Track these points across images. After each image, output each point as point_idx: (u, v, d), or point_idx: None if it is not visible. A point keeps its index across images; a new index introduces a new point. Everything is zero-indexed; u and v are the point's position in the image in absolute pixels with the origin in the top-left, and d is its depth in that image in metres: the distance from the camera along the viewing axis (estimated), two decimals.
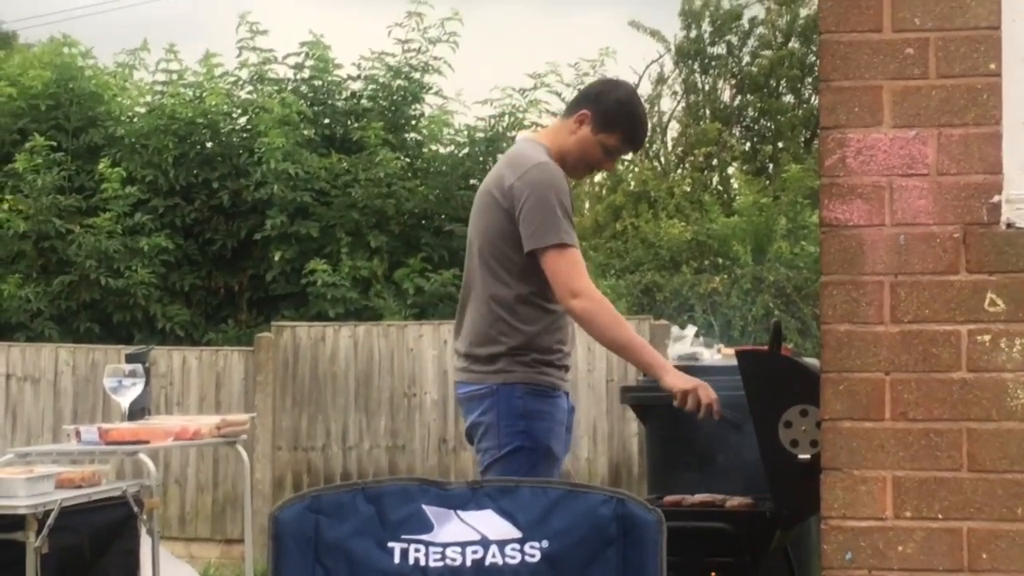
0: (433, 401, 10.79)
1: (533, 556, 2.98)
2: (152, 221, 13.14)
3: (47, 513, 4.38)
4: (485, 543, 2.99)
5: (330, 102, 14.12)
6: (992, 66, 3.14)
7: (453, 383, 4.77)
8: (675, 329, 6.41)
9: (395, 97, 14.00)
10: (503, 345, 4.38)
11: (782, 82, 24.94)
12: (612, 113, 4.53)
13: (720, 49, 25.43)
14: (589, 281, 4.36)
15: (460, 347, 4.55)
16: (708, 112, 25.49)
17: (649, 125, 4.85)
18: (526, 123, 13.90)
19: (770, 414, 4.10)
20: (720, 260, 16.89)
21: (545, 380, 4.42)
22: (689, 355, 5.92)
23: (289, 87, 14.03)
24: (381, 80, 14.09)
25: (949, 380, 3.11)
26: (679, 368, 5.65)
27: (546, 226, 4.31)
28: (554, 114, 14.87)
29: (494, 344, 4.40)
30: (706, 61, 25.47)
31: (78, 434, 5.20)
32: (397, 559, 3.01)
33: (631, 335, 4.44)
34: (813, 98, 23.33)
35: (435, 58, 14.17)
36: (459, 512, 3.04)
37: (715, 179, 24.64)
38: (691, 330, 6.35)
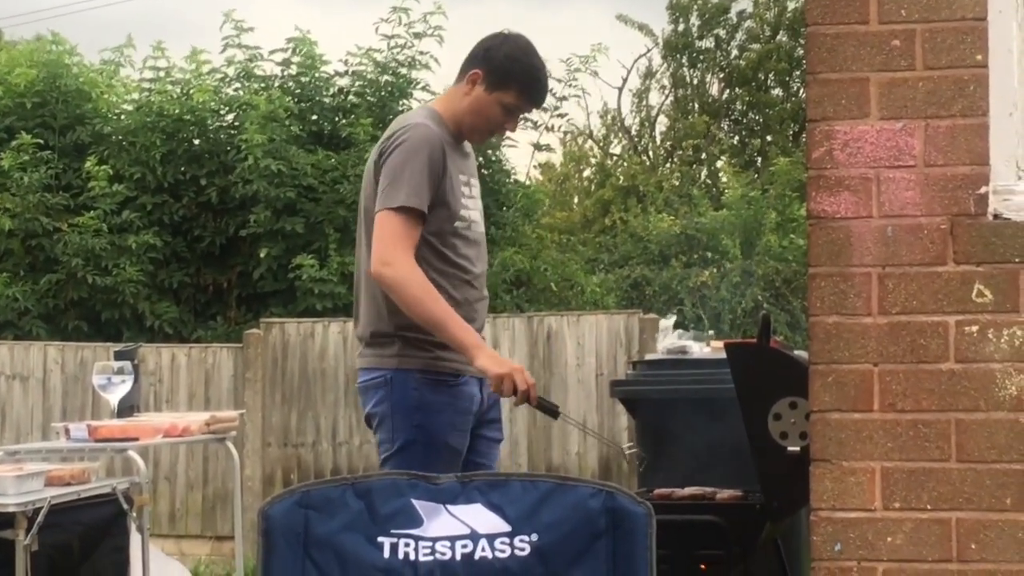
0: None
1: (523, 549, 2.98)
2: (140, 218, 13.12)
3: (36, 511, 4.37)
4: (475, 537, 2.99)
5: (317, 98, 14.11)
6: (979, 57, 3.15)
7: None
8: (663, 322, 6.39)
9: (382, 93, 13.99)
10: (392, 324, 4.19)
11: (770, 75, 24.99)
12: (504, 68, 4.29)
13: (708, 43, 25.47)
14: (408, 253, 4.11)
15: (358, 332, 4.36)
16: (696, 106, 25.53)
17: (547, 77, 4.50)
18: None
19: (759, 407, 4.10)
20: (709, 254, 16.91)
21: (444, 366, 4.20)
22: (678, 348, 5.91)
23: (276, 83, 14.02)
24: (368, 76, 14.08)
25: (937, 371, 3.11)
26: (665, 361, 5.64)
27: (392, 188, 4.12)
28: (544, 109, 14.88)
29: (383, 322, 4.20)
30: (694, 55, 25.51)
31: (67, 432, 5.19)
32: (387, 554, 3.01)
33: (443, 311, 4.10)
34: (801, 91, 23.36)
35: (421, 53, 14.19)
36: (448, 506, 3.04)
37: (704, 173, 24.69)
38: (670, 321, 6.32)
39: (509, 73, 4.29)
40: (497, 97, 4.30)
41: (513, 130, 4.51)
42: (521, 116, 4.50)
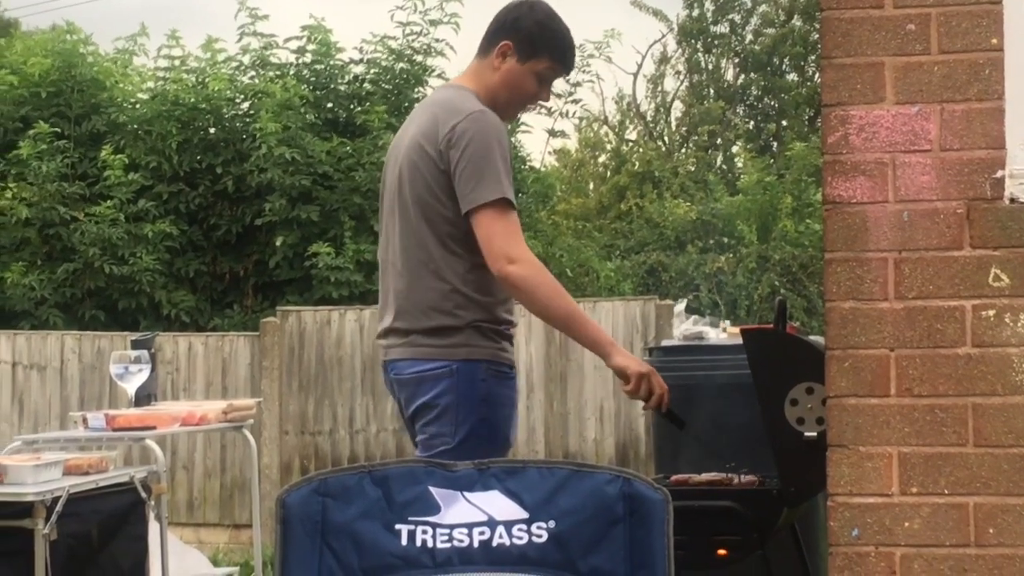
0: None
1: (540, 536, 2.97)
2: (156, 207, 13.15)
3: (55, 500, 4.39)
4: (492, 524, 2.99)
5: (333, 86, 14.11)
6: (994, 41, 3.14)
7: (382, 363, 4.21)
8: (676, 307, 6.40)
9: (398, 80, 13.99)
10: (460, 319, 3.98)
11: (785, 60, 24.92)
12: (535, 36, 4.12)
13: (723, 28, 25.42)
14: (526, 247, 3.95)
15: (400, 324, 4.07)
16: (712, 91, 25.48)
17: (575, 41, 4.28)
18: None
19: (776, 392, 4.09)
20: (725, 239, 16.90)
21: (506, 358, 4.06)
22: (695, 334, 5.91)
23: (291, 71, 14.02)
24: (384, 63, 14.08)
25: (954, 356, 3.11)
26: (681, 347, 5.64)
27: (487, 182, 3.89)
28: (558, 95, 14.87)
29: (449, 317, 3.98)
30: (709, 40, 25.46)
31: (85, 421, 5.21)
32: (404, 541, 3.01)
33: (576, 307, 4.02)
34: (817, 76, 23.29)
35: (437, 40, 14.18)
36: (466, 493, 3.03)
37: (719, 158, 24.66)
38: (681, 304, 6.32)
39: (541, 40, 4.13)
40: (531, 67, 4.14)
41: (547, 100, 4.36)
42: (552, 85, 4.34)
